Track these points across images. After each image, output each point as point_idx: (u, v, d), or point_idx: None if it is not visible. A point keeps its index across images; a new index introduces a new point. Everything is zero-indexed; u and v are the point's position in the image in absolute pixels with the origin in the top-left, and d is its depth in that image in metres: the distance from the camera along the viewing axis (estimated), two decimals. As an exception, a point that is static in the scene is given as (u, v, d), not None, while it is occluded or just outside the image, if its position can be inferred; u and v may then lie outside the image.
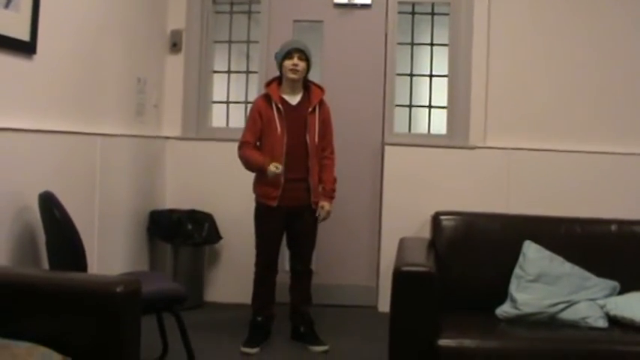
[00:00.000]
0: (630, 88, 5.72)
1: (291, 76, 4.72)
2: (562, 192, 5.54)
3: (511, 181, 5.61)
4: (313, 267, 5.72)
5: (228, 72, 6.24)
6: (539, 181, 5.59)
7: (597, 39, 5.72)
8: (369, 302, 5.70)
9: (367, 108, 5.87)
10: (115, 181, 5.08)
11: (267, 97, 4.78)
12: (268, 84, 4.85)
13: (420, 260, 3.55)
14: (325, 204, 4.83)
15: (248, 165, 4.82)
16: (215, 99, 6.18)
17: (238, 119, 6.15)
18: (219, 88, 6.22)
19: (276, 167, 4.55)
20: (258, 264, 4.92)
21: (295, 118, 4.73)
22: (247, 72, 6.26)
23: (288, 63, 4.70)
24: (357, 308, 5.73)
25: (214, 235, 5.72)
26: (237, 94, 6.29)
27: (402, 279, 3.38)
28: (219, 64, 6.24)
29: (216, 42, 6.15)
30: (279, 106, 4.71)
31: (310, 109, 4.76)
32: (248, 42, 6.23)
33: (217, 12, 6.12)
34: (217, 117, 6.18)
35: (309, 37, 6.11)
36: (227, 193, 5.84)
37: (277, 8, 5.97)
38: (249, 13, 6.18)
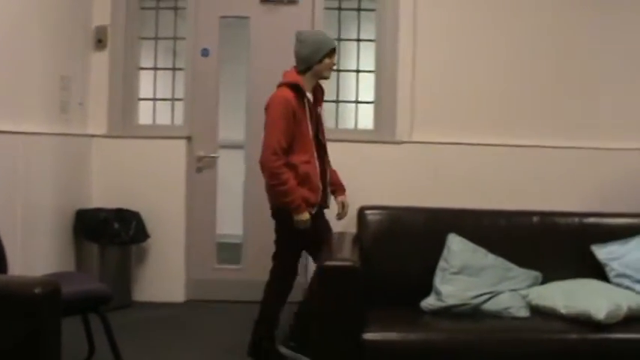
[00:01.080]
0: (553, 83, 5.84)
1: (328, 75, 4.52)
2: (487, 185, 5.62)
3: (437, 175, 5.67)
4: (242, 264, 5.75)
5: (155, 69, 6.18)
6: (464, 175, 5.67)
7: (522, 34, 5.82)
8: (299, 297, 5.70)
9: (294, 104, 5.87)
10: (39, 180, 5.00)
11: (296, 90, 4.33)
12: (289, 73, 4.45)
13: (345, 255, 3.56)
14: (345, 199, 4.61)
15: (282, 193, 4.24)
16: (141, 96, 6.10)
17: (165, 116, 6.10)
18: (145, 85, 6.14)
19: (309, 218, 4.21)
20: (289, 276, 4.60)
21: (314, 116, 4.47)
22: (174, 69, 6.20)
23: (329, 61, 4.41)
24: (287, 304, 5.72)
25: (142, 234, 5.66)
26: (164, 91, 6.23)
27: (326, 274, 3.39)
28: (146, 60, 6.17)
29: (142, 38, 6.08)
30: (310, 100, 4.41)
31: (319, 107, 4.54)
32: (175, 38, 6.17)
33: (143, 8, 6.04)
34: (144, 114, 6.11)
35: (235, 34, 6.10)
36: (154, 191, 5.79)
37: (203, 4, 5.93)
38: (175, 9, 6.12)
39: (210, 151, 5.92)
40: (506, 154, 5.72)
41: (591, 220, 4.33)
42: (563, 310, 3.64)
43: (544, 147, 5.75)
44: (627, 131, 5.85)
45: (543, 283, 4.00)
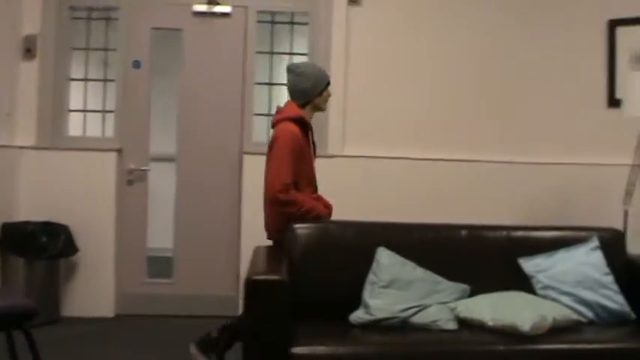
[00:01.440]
0: (479, 99, 5.95)
1: (325, 107, 4.55)
2: (416, 199, 5.69)
3: (368, 188, 5.71)
4: (173, 278, 5.69)
5: (85, 80, 6.09)
6: (395, 189, 5.72)
7: (448, 54, 5.93)
8: (230, 312, 5.66)
9: (226, 117, 5.87)
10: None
11: (300, 123, 4.34)
12: (288, 107, 4.42)
13: (272, 269, 3.54)
14: None
15: (307, 211, 4.20)
16: (72, 107, 6.02)
17: (95, 128, 6.02)
18: (75, 96, 6.06)
19: None
20: None
21: (315, 149, 4.56)
22: (105, 80, 6.12)
23: (327, 94, 4.46)
24: (218, 318, 5.67)
25: (70, 248, 5.57)
26: (95, 102, 6.15)
27: (253, 288, 3.36)
28: (76, 71, 6.08)
29: (73, 49, 6.00)
30: (312, 134, 4.46)
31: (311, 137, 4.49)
32: (106, 49, 6.10)
33: (74, 18, 5.97)
34: (74, 126, 6.02)
35: (167, 46, 6.06)
36: (84, 204, 5.71)
37: (135, 15, 5.88)
38: (107, 19, 6.05)
39: (141, 164, 5.86)
40: (436, 168, 5.80)
41: (519, 233, 4.37)
42: (490, 323, 3.67)
43: (472, 161, 5.86)
44: (553, 146, 5.98)
45: (471, 295, 4.02)
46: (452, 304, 3.88)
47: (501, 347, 3.54)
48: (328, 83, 4.46)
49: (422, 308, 3.79)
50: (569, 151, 5.97)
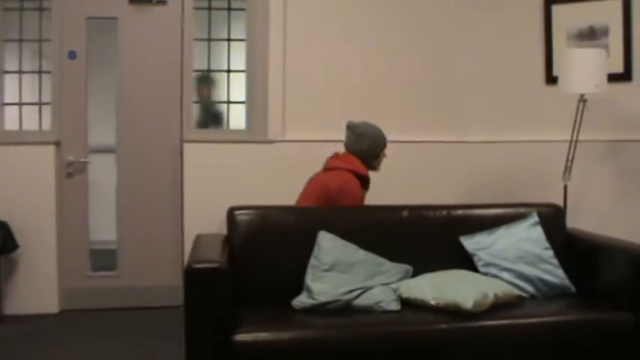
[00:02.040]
0: (421, 80, 5.97)
1: (379, 168, 4.73)
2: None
3: (310, 173, 5.68)
4: (118, 270, 5.62)
5: (20, 72, 5.96)
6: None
7: (392, 34, 5.92)
8: (175, 302, 5.61)
9: (165, 105, 5.79)
10: None
11: (362, 181, 4.53)
12: (353, 160, 4.55)
13: (212, 256, 3.50)
14: None
15: None
16: (6, 101, 5.88)
17: (32, 121, 5.90)
18: (10, 89, 5.92)
19: None
20: None
21: None
22: (40, 72, 5.99)
23: (382, 155, 4.67)
24: (163, 309, 5.64)
25: (10, 244, 5.45)
26: (31, 95, 6.02)
27: (193, 276, 3.33)
28: (10, 63, 5.95)
29: (5, 40, 5.86)
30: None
31: None
32: (40, 40, 5.97)
33: (6, 9, 5.82)
34: (9, 120, 5.89)
35: (103, 35, 5.95)
36: (23, 199, 5.59)
37: (69, 4, 5.76)
38: (40, 9, 5.92)
39: (80, 156, 5.76)
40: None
41: (459, 212, 4.40)
42: (432, 302, 3.69)
43: (413, 142, 5.89)
44: (493, 124, 6.03)
45: (414, 276, 4.05)
46: (394, 285, 3.90)
47: (444, 326, 3.56)
48: (385, 145, 4.63)
49: (365, 290, 3.80)
50: (508, 130, 6.01)
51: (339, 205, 4.32)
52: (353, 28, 5.88)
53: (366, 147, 4.56)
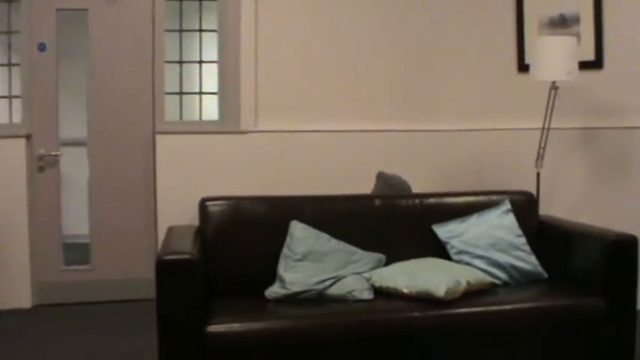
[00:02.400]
0: (396, 69, 5.97)
1: None
2: (331, 171, 5.69)
3: (283, 163, 5.69)
4: (91, 264, 5.58)
5: (-11, 65, 5.91)
6: (309, 162, 5.71)
7: (362, 25, 5.91)
8: (149, 294, 5.57)
9: (136, 97, 5.74)
10: None
11: None
12: None
13: (183, 248, 3.48)
14: None
15: None
16: (-24, 94, 5.84)
17: (2, 115, 5.84)
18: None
19: None
20: None
21: None
22: (10, 64, 5.93)
23: None
24: (137, 302, 5.61)
25: (-19, 239, 5.41)
26: (1, 88, 5.96)
27: (164, 268, 3.31)
28: (-21, 57, 5.90)
29: (-26, 34, 5.81)
30: None
31: None
32: (9, 32, 5.90)
33: (-27, 2, 5.77)
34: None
35: (73, 27, 5.90)
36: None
37: (39, -4, 5.70)
38: (9, 1, 5.85)
39: (51, 149, 5.71)
40: (351, 139, 5.81)
41: (431, 200, 4.41)
42: (405, 290, 3.69)
43: (387, 131, 5.88)
44: (467, 113, 6.04)
45: (387, 264, 4.05)
46: (367, 274, 3.89)
47: (417, 314, 3.57)
48: None
49: (337, 279, 3.80)
50: (481, 118, 6.03)
51: None
52: (326, 18, 5.87)
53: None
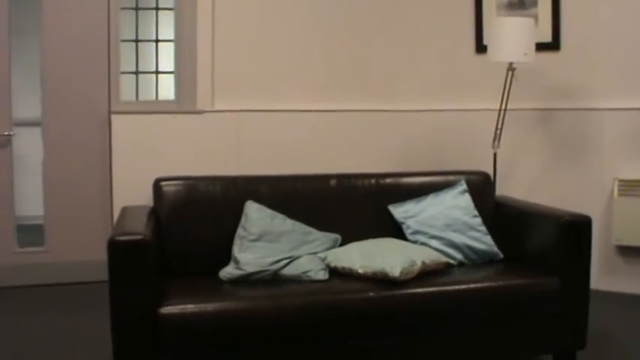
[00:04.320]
0: (352, 48, 5.94)
1: None
2: (289, 151, 5.68)
3: (240, 143, 5.65)
4: (46, 245, 5.51)
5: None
6: (266, 142, 5.69)
7: (320, 3, 5.86)
8: (105, 276, 5.50)
9: (91, 76, 5.64)
10: None
11: None
12: None
13: (136, 229, 3.44)
14: None
15: None
16: None
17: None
18: None
19: None
20: None
21: None
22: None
23: None
24: (93, 284, 5.55)
25: None
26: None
27: (116, 249, 3.27)
28: None
29: None
30: None
31: None
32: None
33: None
34: None
35: (26, 6, 5.79)
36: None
37: (-11, -26, 5.58)
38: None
39: (4, 129, 5.59)
40: (308, 119, 5.80)
41: (388, 180, 4.41)
42: (360, 270, 3.68)
43: (345, 111, 5.89)
44: (425, 93, 6.05)
45: (343, 245, 4.04)
46: (322, 254, 3.88)
47: (372, 294, 3.56)
48: None
49: (292, 260, 3.78)
50: (439, 98, 6.04)
51: None
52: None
53: None
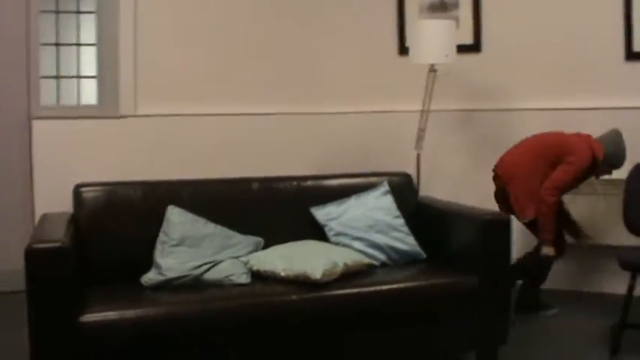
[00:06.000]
0: (274, 51, 5.98)
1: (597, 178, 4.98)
2: (212, 155, 5.66)
3: (163, 147, 5.61)
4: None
5: None
6: (190, 146, 5.67)
7: (243, 7, 5.88)
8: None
9: (10, 81, 5.53)
10: None
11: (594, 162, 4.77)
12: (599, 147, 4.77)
13: (55, 236, 3.38)
14: None
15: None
16: None
17: None
18: None
19: None
20: None
21: None
22: None
23: (608, 171, 4.86)
24: (13, 294, 5.44)
25: None
26: None
27: (33, 257, 3.20)
28: None
29: None
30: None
31: None
32: None
33: None
34: None
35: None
36: None
37: None
38: None
39: None
40: (231, 122, 5.80)
41: (310, 183, 4.43)
42: (282, 273, 3.69)
43: (269, 114, 5.89)
44: (348, 96, 6.08)
45: (266, 248, 4.04)
46: (245, 258, 3.87)
47: (294, 297, 3.57)
48: (618, 166, 4.83)
49: (214, 264, 3.76)
50: (362, 100, 6.09)
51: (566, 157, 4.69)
52: (205, 1, 5.79)
53: (613, 156, 4.75)
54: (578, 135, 4.83)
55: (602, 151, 4.73)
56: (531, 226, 4.83)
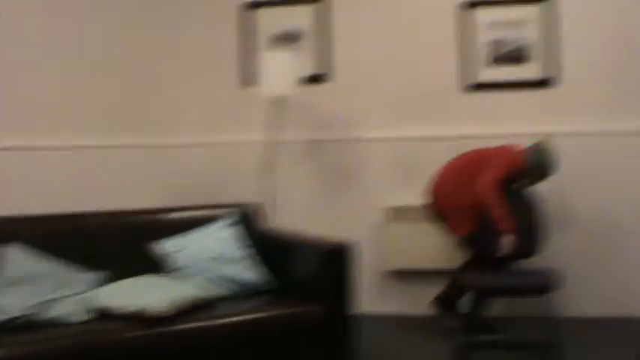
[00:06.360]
0: (119, 84, 5.90)
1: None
2: (53, 189, 5.49)
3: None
4: None
5: None
6: (32, 180, 5.48)
7: (88, 37, 5.78)
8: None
9: None
10: None
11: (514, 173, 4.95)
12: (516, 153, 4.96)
13: None
14: None
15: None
16: None
17: None
18: None
19: None
20: None
21: None
22: None
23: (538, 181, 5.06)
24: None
25: None
26: None
27: None
28: None
29: None
30: None
31: None
32: None
33: None
34: None
35: None
36: None
37: None
38: None
39: None
40: (77, 155, 5.65)
41: (157, 216, 4.40)
42: (119, 310, 3.64)
43: (114, 147, 5.78)
44: (192, 128, 6.08)
45: (108, 284, 3.98)
46: (85, 295, 3.81)
47: (137, 333, 3.52)
48: (545, 177, 5.07)
49: (53, 302, 3.68)
50: (207, 132, 6.07)
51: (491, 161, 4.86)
52: (52, 30, 5.65)
53: (535, 160, 4.96)
54: (499, 146, 5.04)
55: (523, 157, 4.93)
56: (472, 242, 4.91)
